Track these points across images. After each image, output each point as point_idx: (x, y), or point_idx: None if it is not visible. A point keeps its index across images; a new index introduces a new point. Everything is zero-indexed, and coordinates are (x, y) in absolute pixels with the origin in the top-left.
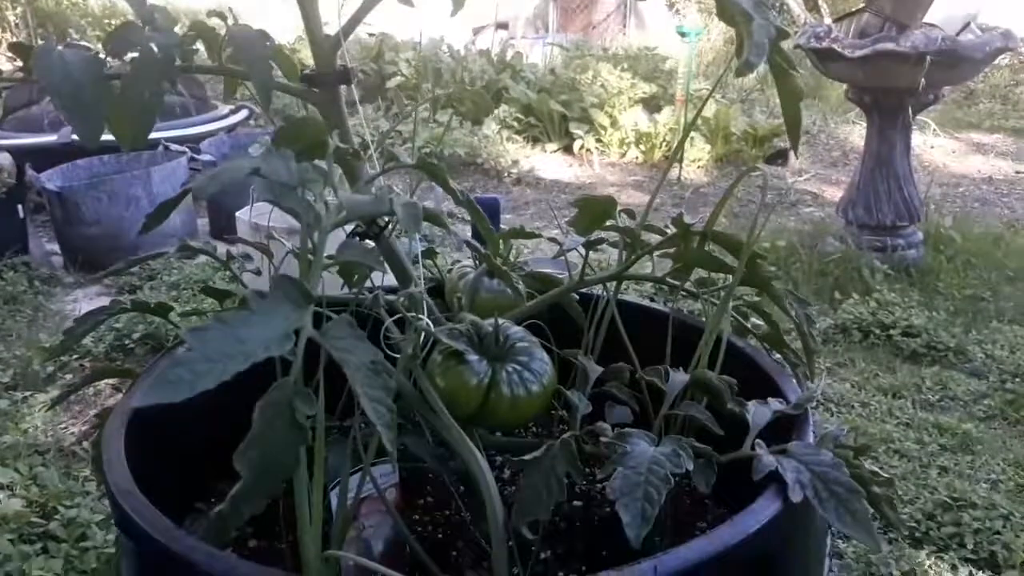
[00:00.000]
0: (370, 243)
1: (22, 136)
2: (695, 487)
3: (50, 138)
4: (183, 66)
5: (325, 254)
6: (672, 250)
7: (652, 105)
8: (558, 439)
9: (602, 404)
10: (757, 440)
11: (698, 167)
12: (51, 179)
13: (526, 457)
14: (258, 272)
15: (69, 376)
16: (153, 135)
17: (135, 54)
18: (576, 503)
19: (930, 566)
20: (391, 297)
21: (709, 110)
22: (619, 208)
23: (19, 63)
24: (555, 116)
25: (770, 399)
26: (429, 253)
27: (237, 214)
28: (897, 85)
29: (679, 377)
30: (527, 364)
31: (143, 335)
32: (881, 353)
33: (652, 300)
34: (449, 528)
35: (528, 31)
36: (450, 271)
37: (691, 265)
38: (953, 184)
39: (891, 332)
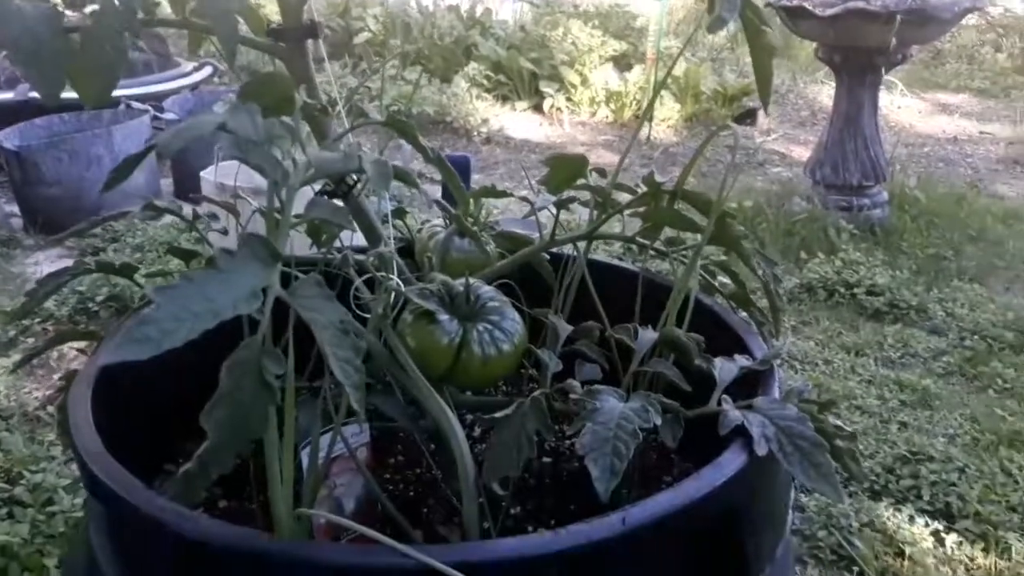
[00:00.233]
0: (339, 202)
1: None
2: (663, 442)
3: (7, 95)
4: (145, 19)
5: (293, 212)
6: (642, 209)
7: (623, 63)
8: (528, 397)
9: (572, 362)
10: (724, 396)
11: (667, 126)
12: (8, 138)
13: (497, 415)
14: (224, 232)
15: (31, 340)
16: (114, 93)
17: (95, 6)
18: (545, 459)
19: (888, 517)
20: (360, 257)
21: (679, 69)
22: (590, 167)
23: None
24: (525, 74)
25: (736, 356)
26: (399, 212)
27: (202, 173)
28: (867, 44)
29: (648, 335)
30: (498, 323)
31: (107, 297)
32: (845, 312)
33: (621, 259)
34: (420, 486)
35: None
36: (420, 231)
37: (661, 224)
38: (919, 144)
39: (855, 291)
